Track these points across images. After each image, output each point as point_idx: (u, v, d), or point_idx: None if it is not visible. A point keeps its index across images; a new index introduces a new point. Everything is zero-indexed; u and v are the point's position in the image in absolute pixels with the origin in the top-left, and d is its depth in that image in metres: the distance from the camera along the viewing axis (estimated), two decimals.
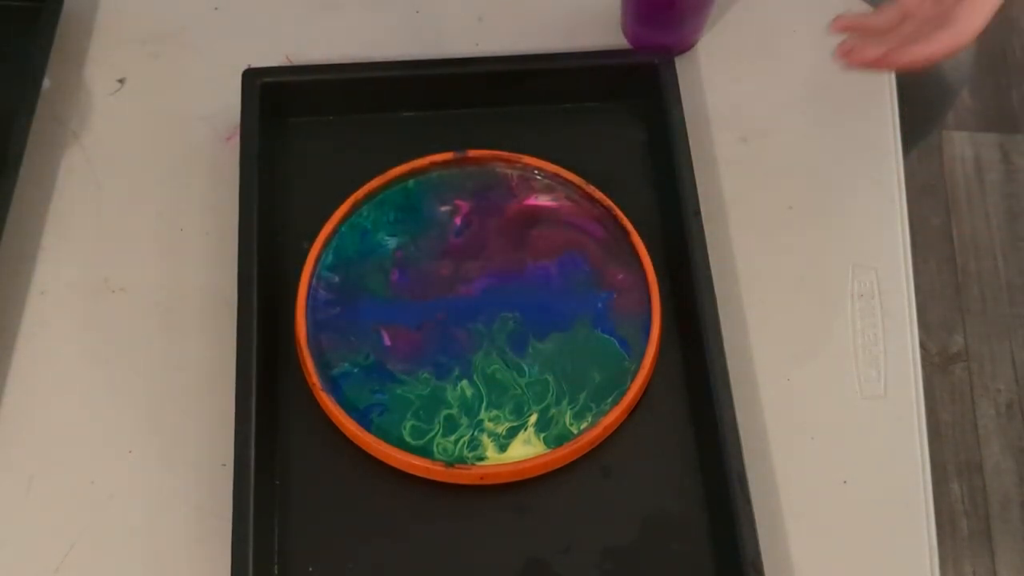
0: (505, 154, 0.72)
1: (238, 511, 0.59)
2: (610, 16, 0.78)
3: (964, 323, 1.43)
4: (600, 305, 0.68)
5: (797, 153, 0.75)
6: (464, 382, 0.65)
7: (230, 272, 0.66)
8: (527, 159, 0.71)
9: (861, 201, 0.73)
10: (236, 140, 0.70)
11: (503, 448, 0.63)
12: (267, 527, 0.61)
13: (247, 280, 0.65)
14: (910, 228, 0.72)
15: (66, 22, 0.76)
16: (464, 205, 0.71)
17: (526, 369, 0.66)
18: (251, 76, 0.72)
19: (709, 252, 0.67)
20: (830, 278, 0.70)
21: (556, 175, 0.71)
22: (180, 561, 0.61)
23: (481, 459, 0.63)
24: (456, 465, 0.62)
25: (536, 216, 0.71)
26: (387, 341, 0.66)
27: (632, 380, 0.64)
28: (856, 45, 0.66)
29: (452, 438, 0.63)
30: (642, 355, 0.65)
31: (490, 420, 0.64)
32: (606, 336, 0.67)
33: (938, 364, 1.40)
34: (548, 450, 0.63)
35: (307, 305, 0.66)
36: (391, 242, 0.70)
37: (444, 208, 0.71)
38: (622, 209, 0.69)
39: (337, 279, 0.68)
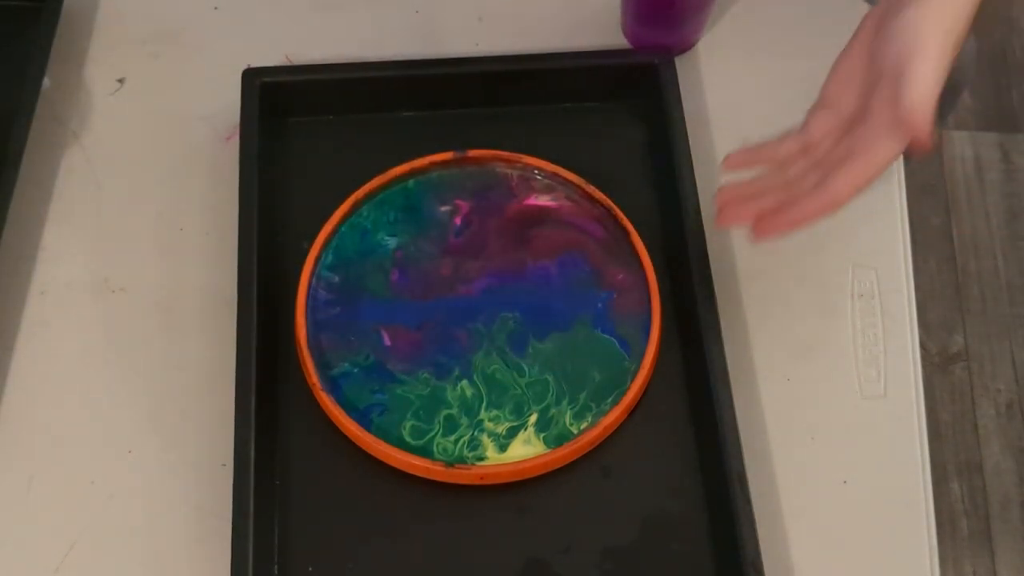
0: (505, 154, 0.72)
1: (238, 511, 0.59)
2: (610, 16, 0.78)
3: (964, 323, 1.43)
4: (600, 305, 0.68)
5: None
6: (464, 382, 0.65)
7: (230, 272, 0.66)
8: (527, 159, 0.71)
9: (861, 201, 0.73)
10: (236, 140, 0.70)
11: (503, 448, 0.63)
12: (267, 527, 0.61)
13: (247, 280, 0.65)
14: (910, 228, 0.72)
15: (66, 22, 0.76)
16: (464, 205, 0.71)
17: (526, 369, 0.66)
18: (251, 76, 0.72)
19: (709, 252, 0.67)
20: (830, 278, 0.70)
21: (556, 175, 0.71)
22: (180, 561, 0.61)
23: (481, 459, 0.63)
24: (456, 465, 0.62)
25: (536, 216, 0.71)
26: (387, 341, 0.66)
27: (632, 380, 0.64)
28: (731, 200, 0.61)
29: (452, 438, 0.63)
30: (642, 355, 0.65)
31: (490, 420, 0.64)
32: (606, 336, 0.67)
33: (938, 364, 1.40)
34: (548, 450, 0.63)
35: (307, 305, 0.66)
36: (391, 242, 0.70)
37: (444, 208, 0.71)
38: (622, 209, 0.69)
39: (337, 279, 0.68)
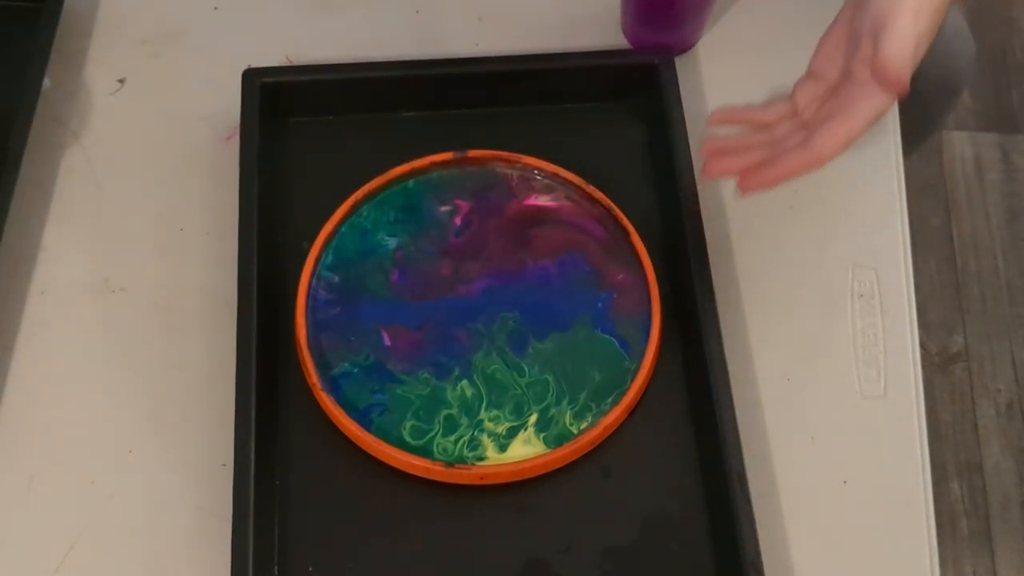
0: (505, 154, 0.72)
1: (238, 511, 0.59)
2: (610, 16, 0.78)
3: (964, 323, 1.43)
4: (600, 305, 0.68)
5: None
6: (464, 382, 0.65)
7: (230, 272, 0.66)
8: (527, 159, 0.71)
9: (861, 201, 0.73)
10: (236, 140, 0.70)
11: (503, 448, 0.63)
12: (267, 527, 0.61)
13: (247, 280, 0.65)
14: (910, 228, 0.72)
15: (66, 22, 0.76)
16: (464, 205, 0.71)
17: (526, 369, 0.66)
18: (251, 76, 0.72)
19: (709, 252, 0.67)
20: (830, 278, 0.70)
21: (556, 175, 0.71)
22: (180, 561, 0.61)
23: (481, 459, 0.63)
24: (456, 465, 0.62)
25: (536, 216, 0.71)
26: (387, 341, 0.66)
27: (632, 380, 0.64)
28: (716, 151, 0.64)
29: (452, 438, 0.63)
30: (642, 355, 0.65)
31: (490, 420, 0.64)
32: (606, 336, 0.67)
33: (938, 364, 1.40)
34: (548, 450, 0.63)
35: (307, 305, 0.67)
36: (391, 242, 0.70)
37: (444, 208, 0.71)
38: (622, 209, 0.69)
39: (337, 279, 0.68)
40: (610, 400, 0.64)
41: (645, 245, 0.68)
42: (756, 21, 0.79)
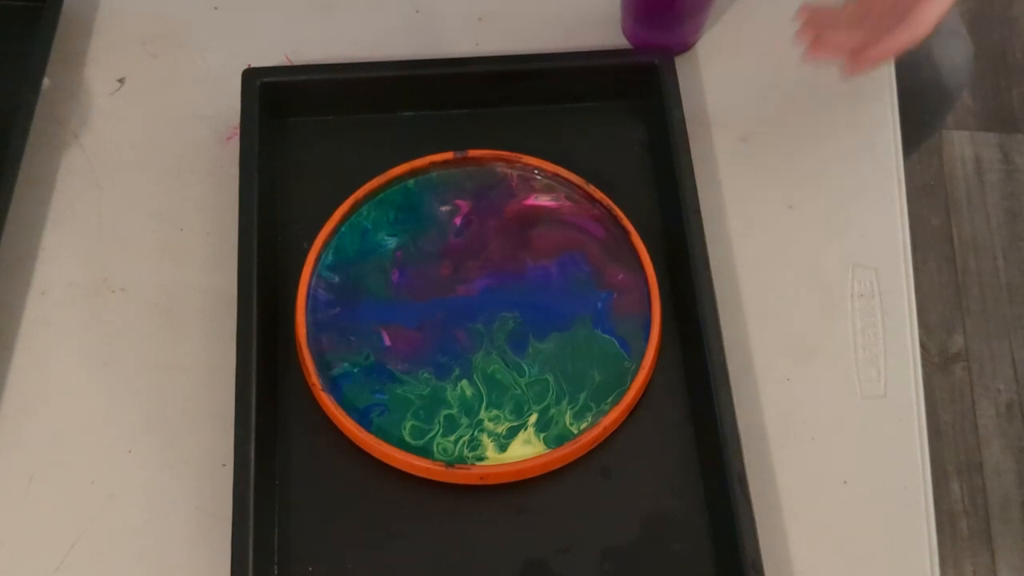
0: (505, 154, 0.72)
1: (238, 511, 0.59)
2: (610, 16, 0.78)
3: (964, 323, 1.43)
4: (600, 305, 0.68)
5: (797, 153, 0.75)
6: (464, 382, 0.65)
7: (230, 272, 0.66)
8: (527, 159, 0.71)
9: (861, 201, 0.73)
10: (236, 140, 0.70)
11: (503, 448, 0.63)
12: (267, 527, 0.61)
13: (247, 280, 0.65)
14: (910, 228, 0.72)
15: (66, 22, 0.76)
16: (464, 205, 0.71)
17: (526, 369, 0.66)
18: (251, 76, 0.72)
19: (709, 252, 0.67)
20: (830, 278, 0.70)
21: (556, 175, 0.71)
22: (180, 561, 0.61)
23: (481, 459, 0.63)
24: (456, 465, 0.62)
25: (536, 216, 0.71)
26: (387, 341, 0.66)
27: (632, 380, 0.64)
28: (811, 21, 0.68)
29: (452, 438, 0.63)
30: (642, 355, 0.65)
31: (490, 420, 0.64)
32: (606, 336, 0.67)
33: (938, 364, 1.40)
34: (548, 450, 0.63)
35: (307, 305, 0.67)
36: (391, 242, 0.70)
37: (444, 208, 0.71)
38: (622, 209, 0.69)
39: (337, 279, 0.68)
40: (610, 400, 0.64)
41: (645, 245, 0.68)
42: (756, 21, 0.79)
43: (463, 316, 0.67)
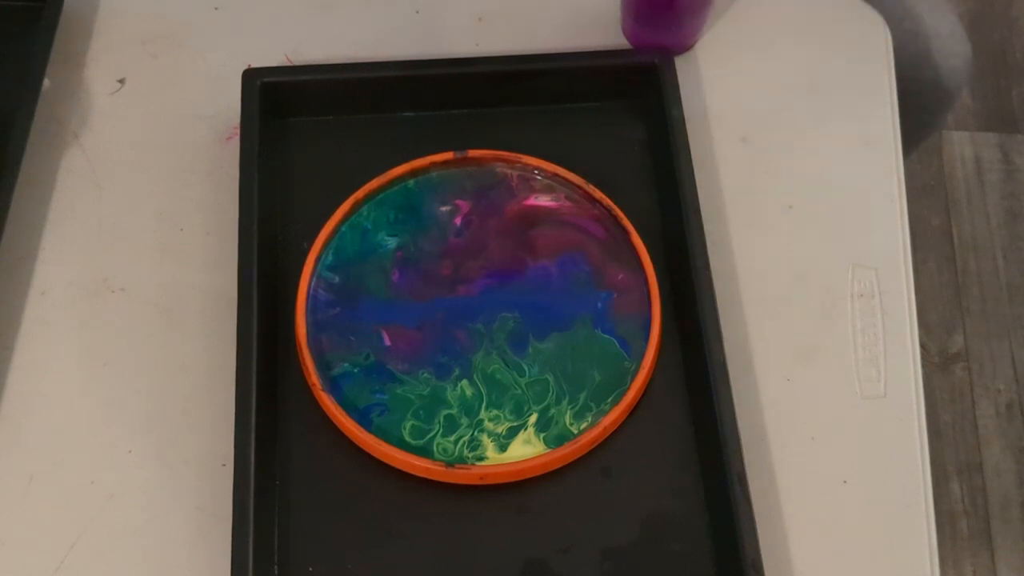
0: (505, 154, 0.72)
1: (238, 511, 0.59)
2: (610, 16, 0.78)
3: (964, 323, 1.43)
4: (600, 305, 0.68)
5: (797, 153, 0.75)
6: (464, 382, 0.65)
7: (230, 272, 0.66)
8: (527, 159, 0.71)
9: (861, 201, 0.73)
10: (236, 140, 0.70)
11: (503, 448, 0.63)
12: (267, 527, 0.61)
13: (247, 280, 0.65)
14: (910, 228, 0.72)
15: (66, 22, 0.76)
16: (464, 205, 0.71)
17: (526, 369, 0.66)
18: (251, 76, 0.72)
19: (709, 252, 0.67)
20: (830, 278, 0.70)
21: (556, 175, 0.71)
22: (180, 561, 0.61)
23: (481, 459, 0.63)
24: (456, 465, 0.62)
25: (536, 216, 0.71)
26: (387, 341, 0.66)
27: (632, 380, 0.64)
28: None
29: (452, 438, 0.63)
30: (642, 355, 0.65)
31: (490, 420, 0.64)
32: (606, 336, 0.67)
33: (938, 364, 1.40)
34: (548, 450, 0.63)
35: (307, 305, 0.67)
36: (391, 242, 0.70)
37: (444, 208, 0.71)
38: (622, 209, 0.69)
39: (337, 279, 0.68)
40: (610, 400, 0.64)
41: (645, 245, 0.68)
42: (756, 21, 0.79)
43: (463, 316, 0.67)
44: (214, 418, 0.64)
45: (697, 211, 0.68)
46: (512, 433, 0.64)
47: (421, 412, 0.64)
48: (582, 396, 0.65)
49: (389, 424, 0.64)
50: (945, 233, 1.49)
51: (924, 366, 1.23)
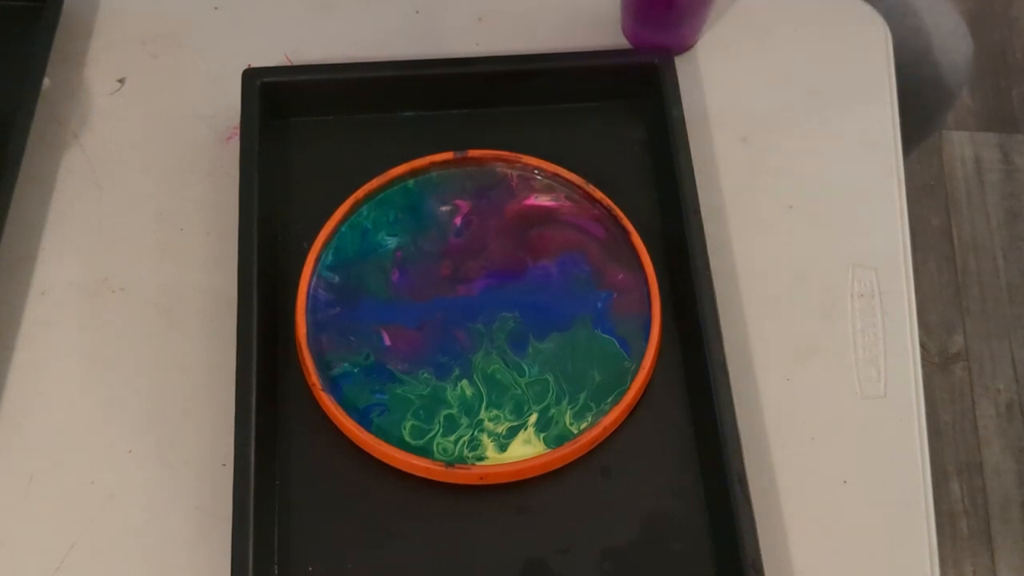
0: (505, 154, 0.72)
1: (238, 511, 0.59)
2: (610, 16, 0.78)
3: (964, 323, 1.43)
4: (600, 305, 0.68)
5: (797, 153, 0.75)
6: (464, 382, 0.65)
7: (230, 272, 0.66)
8: (527, 159, 0.71)
9: (861, 201, 0.73)
10: (236, 140, 0.70)
11: (503, 448, 0.63)
12: (267, 527, 0.61)
13: (247, 280, 0.65)
14: (910, 228, 0.72)
15: (66, 22, 0.76)
16: (464, 205, 0.71)
17: (526, 369, 0.66)
18: (251, 76, 0.72)
19: (709, 252, 0.67)
20: (830, 278, 0.70)
21: (556, 175, 0.71)
22: (180, 561, 0.61)
23: (481, 459, 0.63)
24: (456, 465, 0.62)
25: (536, 216, 0.71)
26: (387, 341, 0.66)
27: (632, 380, 0.64)
28: None
29: (452, 438, 0.63)
30: (642, 355, 0.65)
31: (490, 420, 0.64)
32: (606, 336, 0.67)
33: (938, 364, 1.40)
34: (548, 450, 0.63)
35: (307, 305, 0.67)
36: (391, 242, 0.70)
37: (444, 208, 0.71)
38: (622, 209, 0.69)
39: (337, 279, 0.68)
40: (610, 400, 0.64)
41: (645, 245, 0.68)
42: (756, 21, 0.79)
43: (463, 316, 0.67)
44: (214, 418, 0.64)
45: (697, 211, 0.68)
46: (512, 433, 0.64)
47: (421, 412, 0.64)
48: (582, 396, 0.65)
49: (389, 424, 0.64)
50: (945, 233, 1.49)
51: (924, 366, 1.23)
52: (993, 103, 1.59)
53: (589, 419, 0.64)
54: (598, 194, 0.70)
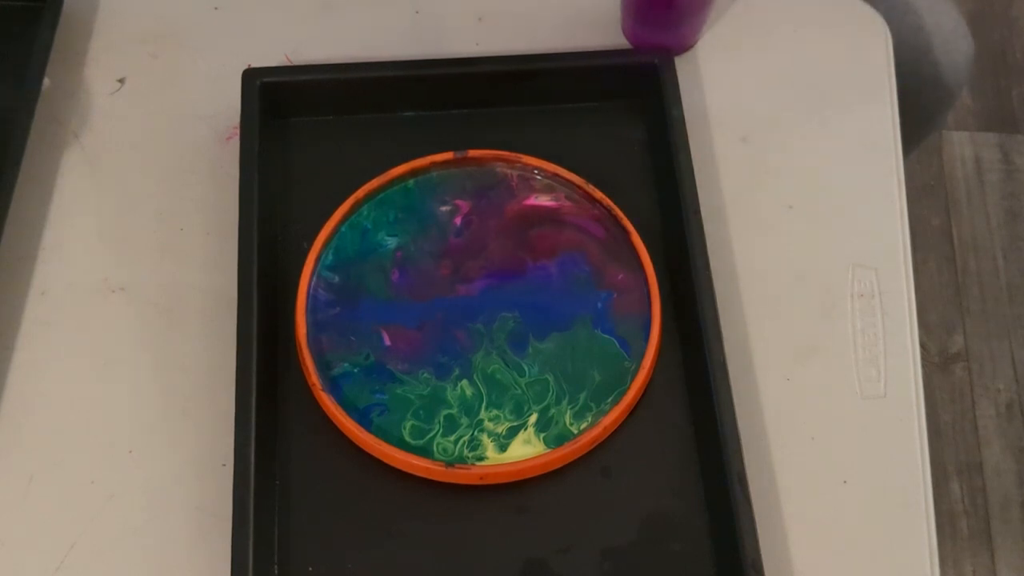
0: (505, 154, 0.72)
1: (238, 511, 0.59)
2: (610, 16, 0.78)
3: (964, 323, 1.43)
4: (600, 305, 0.68)
5: (797, 153, 0.75)
6: (464, 382, 0.65)
7: (230, 272, 0.66)
8: (527, 159, 0.71)
9: (861, 201, 0.73)
10: (236, 140, 0.70)
11: (503, 448, 0.63)
12: (267, 527, 0.61)
13: (247, 280, 0.65)
14: (910, 228, 0.72)
15: (66, 22, 0.76)
16: (464, 205, 0.71)
17: (526, 369, 0.66)
18: (251, 76, 0.72)
19: (709, 252, 0.67)
20: (830, 278, 0.70)
21: (556, 175, 0.71)
22: (180, 561, 0.61)
23: (481, 459, 0.63)
24: (456, 465, 0.62)
25: (536, 216, 0.71)
26: (387, 341, 0.66)
27: (632, 380, 0.64)
28: None
29: (452, 438, 0.63)
30: (642, 355, 0.65)
31: (490, 420, 0.64)
32: (606, 336, 0.67)
33: (938, 364, 1.40)
34: (548, 450, 0.63)
35: (307, 305, 0.67)
36: (391, 242, 0.70)
37: (444, 208, 0.71)
38: (622, 209, 0.69)
39: (337, 279, 0.68)
40: (610, 400, 0.64)
41: (645, 245, 0.68)
42: (756, 21, 0.79)
43: (463, 316, 0.67)
44: (214, 418, 0.64)
45: (697, 211, 0.68)
46: (512, 433, 0.64)
47: (421, 412, 0.64)
48: (582, 396, 0.65)
49: (389, 424, 0.64)
50: (945, 233, 1.49)
51: (924, 366, 1.23)
52: (993, 103, 1.59)
53: (589, 419, 0.64)
54: (598, 194, 0.70)
